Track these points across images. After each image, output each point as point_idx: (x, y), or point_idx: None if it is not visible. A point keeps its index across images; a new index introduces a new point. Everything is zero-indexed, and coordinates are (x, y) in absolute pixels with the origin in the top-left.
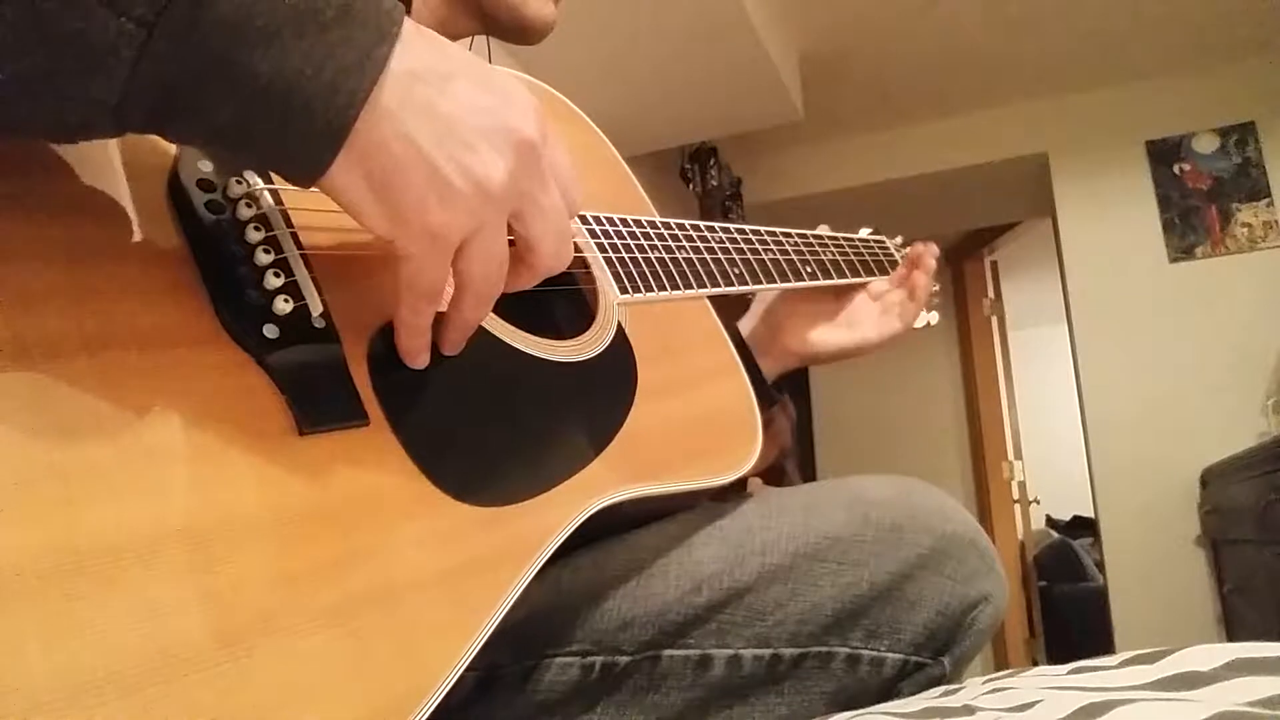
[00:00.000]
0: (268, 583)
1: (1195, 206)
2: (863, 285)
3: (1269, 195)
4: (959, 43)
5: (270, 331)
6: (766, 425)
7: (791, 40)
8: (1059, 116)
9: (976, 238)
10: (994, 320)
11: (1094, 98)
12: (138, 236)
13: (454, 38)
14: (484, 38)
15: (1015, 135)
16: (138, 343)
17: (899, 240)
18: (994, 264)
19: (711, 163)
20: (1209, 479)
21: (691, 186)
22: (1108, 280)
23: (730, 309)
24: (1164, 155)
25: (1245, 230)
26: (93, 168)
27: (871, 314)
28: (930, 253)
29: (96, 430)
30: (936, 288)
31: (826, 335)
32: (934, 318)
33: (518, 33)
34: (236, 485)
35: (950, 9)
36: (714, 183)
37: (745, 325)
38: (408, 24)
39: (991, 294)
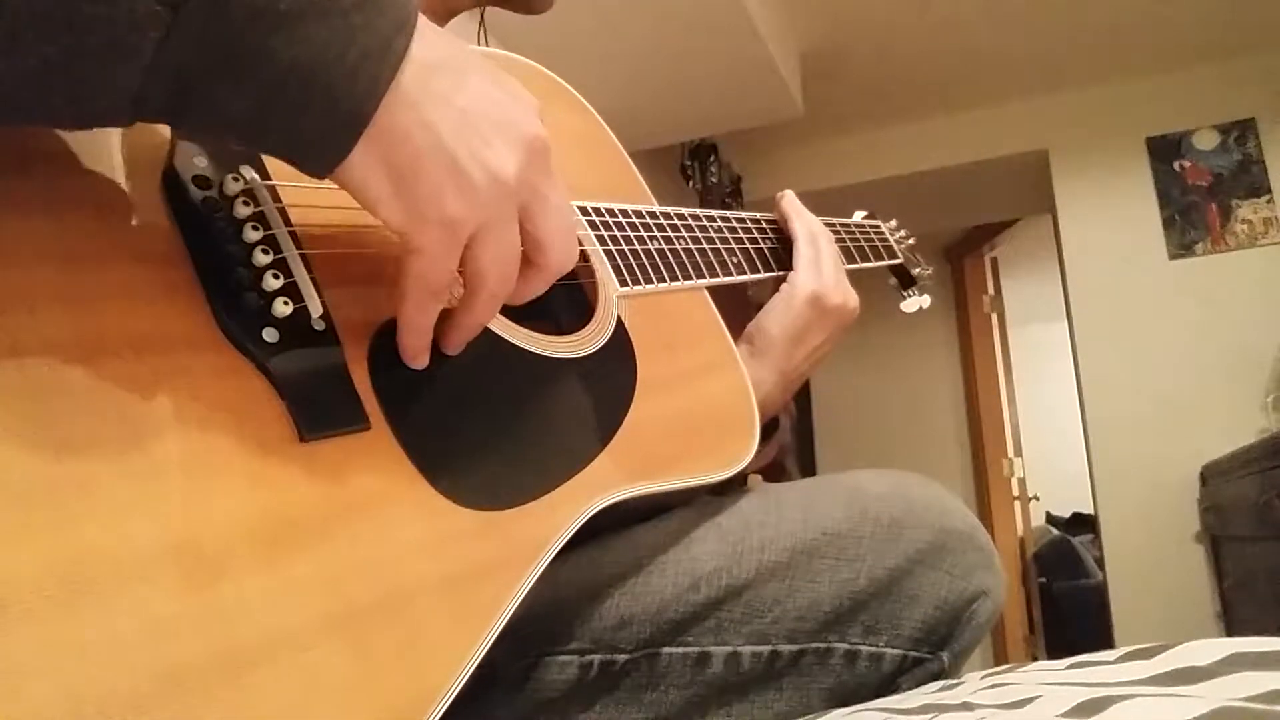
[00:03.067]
0: (271, 594)
1: (1195, 203)
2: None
3: (1269, 192)
4: (959, 40)
5: (270, 335)
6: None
7: (792, 37)
8: (1059, 113)
9: (977, 234)
10: (994, 317)
11: (1094, 94)
12: (134, 236)
13: (456, 9)
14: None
15: (1015, 132)
16: (135, 348)
17: (894, 224)
18: (994, 261)
19: (711, 159)
20: (1209, 475)
21: (691, 183)
22: (1108, 277)
23: (730, 302)
24: (1164, 152)
25: (1245, 227)
26: (90, 164)
27: None
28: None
29: (94, 441)
30: (930, 270)
31: None
32: (925, 301)
33: (522, 1)
34: (237, 495)
35: (950, 6)
36: (714, 180)
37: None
38: (421, 16)
39: (991, 290)
